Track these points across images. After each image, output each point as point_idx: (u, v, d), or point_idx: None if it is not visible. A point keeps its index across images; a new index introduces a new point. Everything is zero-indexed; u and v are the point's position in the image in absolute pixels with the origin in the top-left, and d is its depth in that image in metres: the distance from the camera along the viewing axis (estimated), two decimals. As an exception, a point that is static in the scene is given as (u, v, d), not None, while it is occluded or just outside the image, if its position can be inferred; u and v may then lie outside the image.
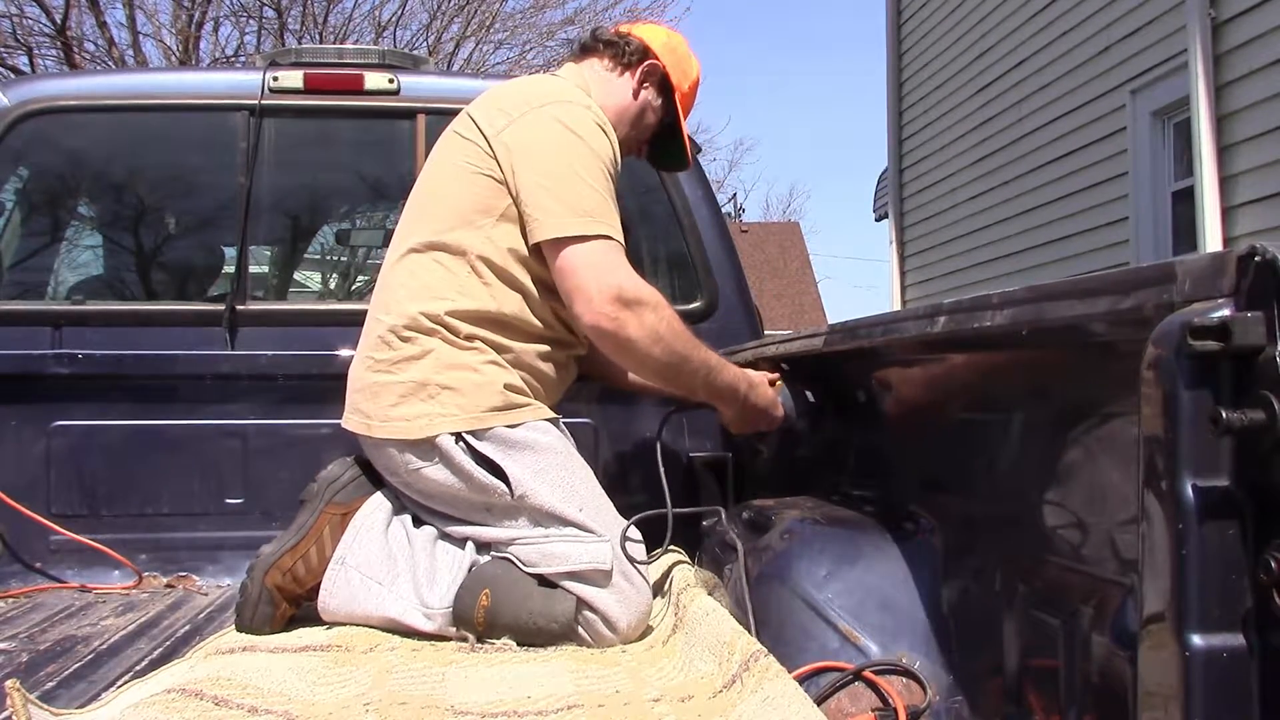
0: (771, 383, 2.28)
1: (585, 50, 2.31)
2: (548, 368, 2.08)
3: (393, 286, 2.05)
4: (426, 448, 1.95)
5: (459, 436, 1.94)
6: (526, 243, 1.99)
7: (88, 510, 2.62)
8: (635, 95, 2.25)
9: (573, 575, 1.91)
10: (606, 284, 1.93)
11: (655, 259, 3.14)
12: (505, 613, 1.90)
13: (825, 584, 1.67)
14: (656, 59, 2.26)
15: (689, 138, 2.41)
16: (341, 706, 1.53)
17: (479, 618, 1.89)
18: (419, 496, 2.03)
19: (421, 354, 1.98)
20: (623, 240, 2.00)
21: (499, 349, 2.00)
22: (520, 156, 1.99)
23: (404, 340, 1.99)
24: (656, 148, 2.39)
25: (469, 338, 1.98)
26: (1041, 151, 8.49)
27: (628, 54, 2.25)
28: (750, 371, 2.24)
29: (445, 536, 2.03)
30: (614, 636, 1.90)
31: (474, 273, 2.00)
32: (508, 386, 1.98)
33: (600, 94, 2.19)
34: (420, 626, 1.92)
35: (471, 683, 1.68)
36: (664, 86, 2.28)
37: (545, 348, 2.07)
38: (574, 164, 1.99)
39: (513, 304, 2.01)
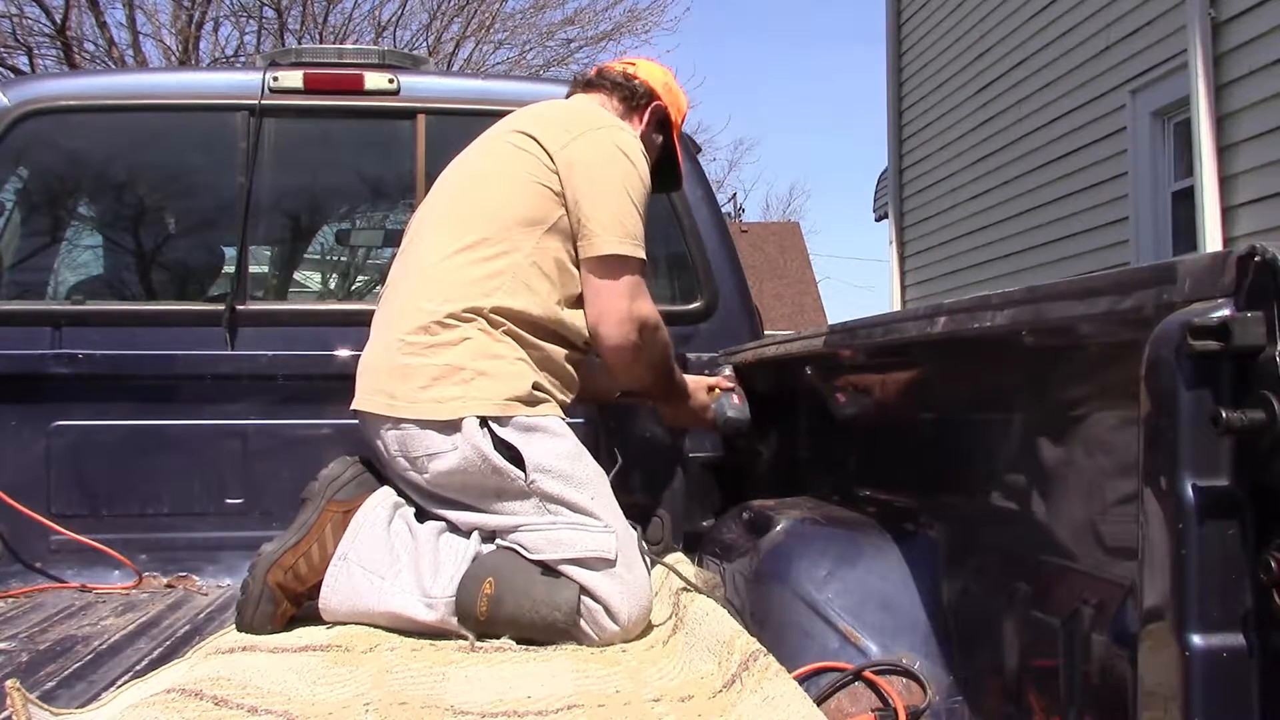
0: (710, 389, 2.49)
1: (591, 85, 2.43)
2: (567, 370, 2.15)
3: (436, 280, 2.09)
4: (450, 430, 1.99)
5: (484, 421, 1.98)
6: (574, 254, 2.12)
7: (88, 510, 2.62)
8: (645, 137, 2.38)
9: (577, 562, 1.94)
10: (636, 312, 2.12)
11: (655, 259, 3.14)
12: (508, 601, 1.91)
13: (825, 584, 1.67)
14: (660, 100, 2.42)
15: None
16: (341, 706, 1.53)
17: (482, 606, 1.91)
18: (428, 484, 2.04)
19: (459, 340, 2.03)
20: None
21: (528, 347, 2.07)
22: (581, 174, 2.12)
23: (444, 327, 2.04)
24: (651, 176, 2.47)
25: (506, 333, 2.06)
26: (1041, 151, 8.48)
27: (636, 97, 2.40)
28: (693, 380, 2.47)
29: (449, 528, 2.04)
30: (615, 628, 1.91)
31: (519, 276, 2.08)
32: (535, 384, 2.05)
33: None
34: (422, 617, 1.92)
35: (471, 683, 1.68)
36: (664, 123, 2.45)
37: (566, 350, 2.14)
38: (627, 188, 2.13)
39: (550, 308, 2.10)
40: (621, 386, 2.37)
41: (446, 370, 2.01)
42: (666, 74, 2.49)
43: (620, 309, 2.10)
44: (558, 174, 2.11)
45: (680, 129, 2.51)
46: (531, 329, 2.07)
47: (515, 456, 1.97)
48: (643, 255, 2.13)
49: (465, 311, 2.04)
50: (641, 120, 2.39)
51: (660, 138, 2.44)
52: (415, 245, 2.20)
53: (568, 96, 2.46)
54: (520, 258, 2.08)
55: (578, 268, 2.13)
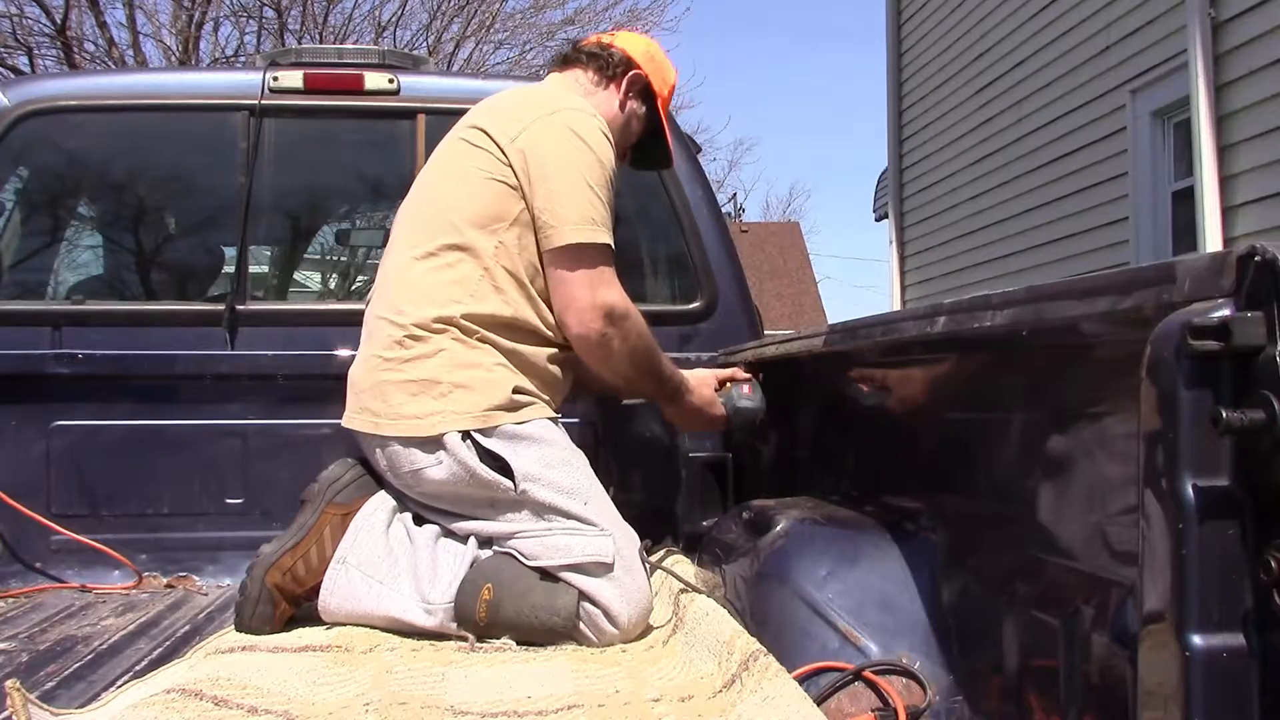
0: (722, 383, 2.37)
1: (567, 62, 2.35)
2: (553, 370, 2.10)
3: (403, 289, 2.07)
4: (433, 446, 1.97)
5: (466, 434, 1.96)
6: (538, 247, 2.05)
7: (88, 510, 2.62)
8: (622, 107, 2.31)
9: (574, 567, 1.92)
10: (600, 299, 2.02)
11: (655, 259, 3.14)
12: (507, 606, 1.90)
13: (825, 584, 1.67)
14: (639, 69, 2.32)
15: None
16: (341, 706, 1.53)
17: (481, 612, 1.90)
18: (420, 496, 2.04)
19: (434, 352, 2.00)
20: (613, 246, 2.06)
21: (508, 353, 2.03)
22: (534, 163, 2.04)
23: (416, 340, 2.01)
24: (639, 151, 2.42)
25: (481, 340, 2.01)
26: (1041, 151, 8.48)
27: (612, 66, 2.30)
28: (697, 375, 2.34)
29: (447, 534, 2.04)
30: (614, 631, 1.91)
31: (488, 276, 2.03)
32: (516, 389, 2.01)
33: (591, 105, 2.21)
34: (421, 623, 1.92)
35: (471, 683, 1.68)
36: (647, 94, 2.34)
37: (551, 350, 2.09)
38: (583, 173, 2.04)
39: (523, 308, 2.05)
40: (609, 384, 2.25)
41: (424, 385, 1.98)
42: (650, 44, 2.40)
43: (583, 297, 2.02)
44: (511, 166, 2.04)
45: (668, 102, 2.40)
46: (507, 332, 2.03)
47: (503, 466, 1.95)
48: (605, 240, 2.04)
49: (436, 321, 2.00)
50: (619, 89, 2.29)
51: (643, 108, 2.34)
52: (389, 252, 2.17)
53: (546, 75, 2.40)
54: (485, 259, 2.03)
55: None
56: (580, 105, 2.16)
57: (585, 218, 2.02)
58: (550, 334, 2.09)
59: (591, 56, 2.31)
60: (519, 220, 2.04)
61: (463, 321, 2.00)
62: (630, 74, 2.30)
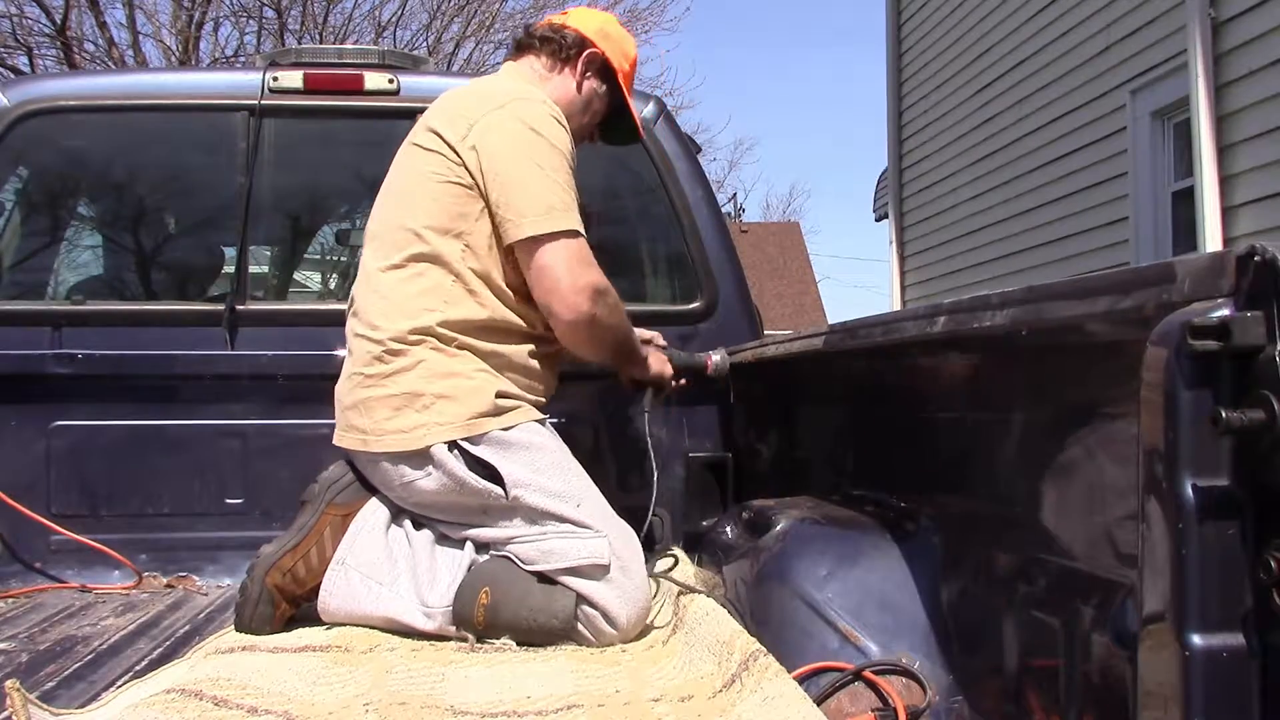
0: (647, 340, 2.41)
1: (521, 49, 2.32)
2: (536, 368, 2.10)
3: (376, 303, 2.06)
4: (421, 459, 1.96)
5: (453, 444, 1.95)
6: (502, 244, 2.03)
7: (88, 510, 2.62)
8: (580, 88, 2.27)
9: (571, 571, 1.92)
10: (582, 283, 2.00)
11: (655, 259, 3.14)
12: (505, 610, 1.90)
13: (825, 584, 1.67)
14: (595, 47, 2.28)
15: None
16: (341, 706, 1.53)
17: (479, 616, 1.90)
18: (415, 507, 2.04)
19: (413, 364, 1.99)
20: (583, 230, 2.04)
21: (488, 356, 2.02)
22: (487, 158, 2.02)
23: (394, 354, 2.00)
24: (606, 127, 2.40)
25: (460, 347, 2.00)
26: (1041, 151, 8.48)
27: (565, 48, 2.26)
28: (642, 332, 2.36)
29: (445, 538, 2.03)
30: (614, 632, 1.91)
31: (459, 281, 2.02)
32: (499, 393, 2.00)
33: (545, 91, 2.20)
34: (420, 626, 1.92)
35: (471, 683, 1.68)
36: (605, 71, 2.30)
37: (532, 347, 2.09)
38: (539, 162, 2.02)
39: (499, 308, 2.04)
40: (591, 358, 2.21)
41: (406, 399, 1.98)
42: (604, 19, 2.37)
43: (565, 283, 1.99)
44: (465, 166, 2.02)
45: (631, 77, 2.36)
46: (486, 334, 2.02)
47: (493, 474, 1.95)
48: (572, 224, 2.01)
49: (412, 333, 1.99)
50: (575, 71, 2.26)
51: (604, 86, 2.30)
52: (360, 267, 2.16)
53: (503, 62, 2.38)
54: (454, 265, 2.02)
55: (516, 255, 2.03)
56: (528, 94, 2.13)
57: (545, 205, 2.00)
58: (529, 330, 2.08)
59: (545, 40, 2.28)
60: (481, 219, 2.03)
61: (439, 330, 1.99)
62: (585, 54, 2.26)
